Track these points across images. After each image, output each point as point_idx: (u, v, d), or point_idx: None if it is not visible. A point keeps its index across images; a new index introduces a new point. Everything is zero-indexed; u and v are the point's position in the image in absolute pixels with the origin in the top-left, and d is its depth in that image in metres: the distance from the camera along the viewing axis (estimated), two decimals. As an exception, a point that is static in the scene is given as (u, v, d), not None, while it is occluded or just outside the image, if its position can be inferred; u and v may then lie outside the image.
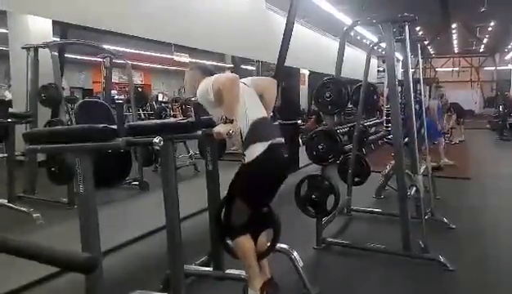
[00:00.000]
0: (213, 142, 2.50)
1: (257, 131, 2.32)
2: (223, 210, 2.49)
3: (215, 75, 2.36)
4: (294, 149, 7.08)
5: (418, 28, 14.49)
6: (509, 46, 22.16)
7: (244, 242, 2.35)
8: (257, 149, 2.27)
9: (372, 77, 11.48)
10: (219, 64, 11.80)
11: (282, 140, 2.42)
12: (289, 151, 2.50)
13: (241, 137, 2.31)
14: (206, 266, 2.78)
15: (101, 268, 1.75)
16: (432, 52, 24.35)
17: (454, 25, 16.14)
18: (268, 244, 2.51)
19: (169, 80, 19.27)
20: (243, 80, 2.49)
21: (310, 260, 3.46)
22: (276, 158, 2.37)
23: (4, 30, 5.70)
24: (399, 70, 4.70)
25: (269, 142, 2.30)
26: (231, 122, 2.20)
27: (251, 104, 2.40)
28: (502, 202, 5.44)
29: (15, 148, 4.14)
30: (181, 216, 2.21)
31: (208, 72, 2.53)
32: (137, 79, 15.87)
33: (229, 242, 2.53)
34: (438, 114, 7.78)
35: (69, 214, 3.77)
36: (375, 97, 4.83)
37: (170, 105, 15.58)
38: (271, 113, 2.70)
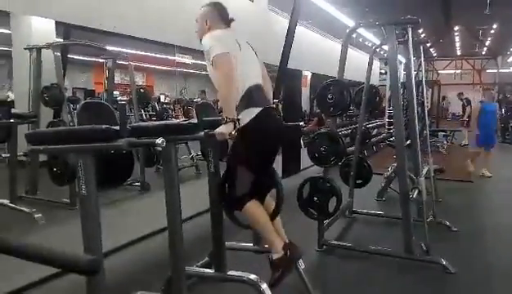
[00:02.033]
0: (215, 143, 2.49)
1: (250, 97, 2.36)
2: (226, 185, 2.50)
3: (218, 55, 2.28)
4: (296, 151, 7.09)
5: (420, 31, 14.47)
6: (512, 49, 22.13)
7: (254, 207, 2.37)
8: (251, 113, 2.32)
9: (374, 80, 11.48)
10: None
11: (274, 105, 2.46)
12: (284, 113, 2.55)
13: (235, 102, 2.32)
14: (207, 268, 2.77)
15: (103, 269, 1.75)
16: (434, 54, 24.34)
17: (456, 28, 16.13)
18: (274, 205, 2.55)
19: (172, 81, 19.28)
20: (249, 42, 2.48)
21: (312, 262, 3.45)
22: (270, 120, 2.42)
23: (7, 31, 5.71)
24: (401, 72, 4.70)
25: (262, 107, 2.35)
26: (232, 121, 2.20)
27: (247, 68, 2.43)
28: (504, 204, 5.43)
29: (17, 148, 4.14)
30: (182, 218, 2.21)
31: (225, 19, 2.54)
32: (140, 80, 15.89)
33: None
34: (492, 120, 7.43)
35: (70, 215, 3.77)
36: (377, 99, 4.83)
37: (172, 106, 15.60)
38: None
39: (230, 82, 2.25)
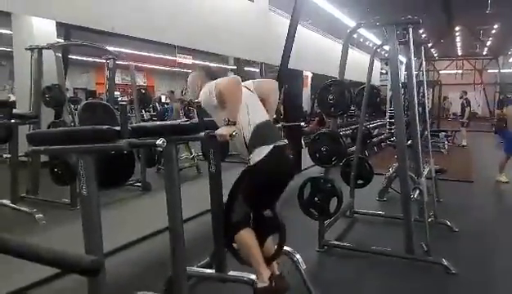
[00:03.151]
0: (216, 144, 2.49)
1: (260, 134, 2.33)
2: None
3: (219, 79, 2.36)
4: (297, 151, 7.08)
5: (421, 31, 14.47)
6: (513, 49, 22.11)
7: (246, 235, 2.36)
8: (262, 152, 2.28)
9: (375, 80, 11.47)
10: (222, 65, 11.82)
11: (286, 141, 2.43)
12: (294, 152, 2.50)
13: (245, 142, 2.32)
14: (208, 268, 2.77)
15: (104, 269, 1.75)
16: (435, 55, 24.33)
17: (457, 28, 16.12)
18: (275, 248, 2.52)
19: (172, 81, 19.29)
20: (245, 83, 2.49)
21: (313, 262, 3.45)
22: (282, 159, 2.38)
23: (8, 31, 5.72)
24: (402, 73, 4.70)
25: (273, 144, 2.31)
26: (234, 123, 2.21)
27: (254, 108, 2.41)
28: (505, 205, 5.43)
29: (18, 149, 4.14)
30: (183, 218, 2.21)
31: (212, 75, 2.54)
32: (140, 80, 15.89)
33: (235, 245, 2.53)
34: None
35: (71, 215, 3.77)
36: (378, 99, 4.82)
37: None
38: (274, 116, 2.70)
39: (234, 85, 2.26)
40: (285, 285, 2.44)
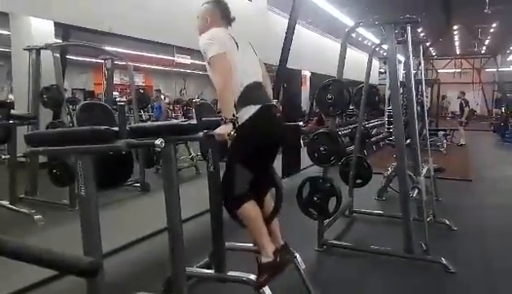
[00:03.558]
0: (215, 143, 2.49)
1: (249, 94, 2.35)
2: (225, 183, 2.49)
3: (216, 51, 2.27)
4: (296, 151, 7.09)
5: (420, 30, 14.48)
6: (511, 48, 22.15)
7: (250, 208, 2.35)
8: (249, 111, 2.31)
9: (374, 79, 11.48)
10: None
11: (274, 102, 2.44)
12: (283, 115, 2.52)
13: (234, 102, 2.31)
14: (207, 268, 2.77)
15: (103, 271, 1.75)
16: (434, 54, 24.35)
17: (456, 27, 16.13)
18: (273, 205, 2.55)
19: (171, 81, 19.28)
20: (240, 41, 2.48)
21: (312, 262, 3.45)
22: (270, 118, 2.40)
23: (6, 32, 5.72)
24: (401, 72, 4.69)
25: (261, 104, 2.34)
26: (231, 121, 2.20)
27: (247, 67, 2.42)
28: (504, 204, 5.43)
29: (16, 149, 4.14)
30: (182, 218, 2.21)
31: (227, 17, 2.53)
32: (139, 81, 15.89)
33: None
34: None
35: (70, 216, 3.76)
36: (377, 98, 4.82)
37: (172, 107, 15.61)
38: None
39: (227, 83, 2.25)
40: (289, 257, 2.44)
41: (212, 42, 2.29)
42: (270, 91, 2.70)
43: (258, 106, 2.33)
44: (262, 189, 2.54)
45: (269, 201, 2.59)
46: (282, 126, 2.62)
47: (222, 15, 2.52)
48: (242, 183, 2.36)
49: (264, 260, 2.35)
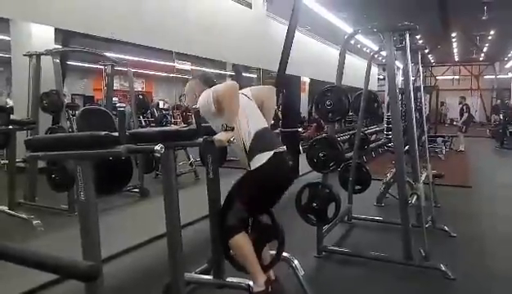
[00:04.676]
0: (214, 149, 2.50)
1: (260, 141, 2.35)
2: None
3: (216, 85, 2.37)
4: (295, 157, 7.09)
5: (418, 37, 14.53)
6: (509, 55, 22.24)
7: (241, 239, 2.34)
8: (262, 158, 2.30)
9: (373, 86, 11.52)
10: (220, 71, 11.86)
11: (285, 147, 2.44)
12: (293, 158, 2.51)
13: (245, 149, 2.33)
14: (206, 274, 2.77)
15: (102, 275, 1.75)
16: (432, 60, 24.42)
17: (454, 34, 16.20)
18: (273, 254, 2.53)
19: (171, 87, 19.31)
20: (243, 91, 2.51)
21: (311, 268, 3.45)
22: (282, 165, 2.39)
23: (6, 37, 5.73)
24: (400, 78, 4.72)
25: (274, 151, 2.33)
26: (232, 129, 2.21)
27: (252, 115, 2.43)
28: (503, 210, 5.43)
29: (16, 154, 4.13)
30: (181, 224, 2.21)
31: (209, 82, 2.55)
32: (139, 86, 15.90)
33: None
34: None
35: (69, 221, 3.76)
36: (376, 105, 4.84)
37: (171, 112, 15.60)
38: (272, 122, 2.71)
39: (232, 90, 2.26)
40: (281, 289, 2.44)
41: (210, 93, 2.30)
42: (272, 111, 2.71)
43: (271, 153, 2.33)
44: (263, 237, 2.52)
45: (266, 250, 2.57)
46: (292, 171, 2.62)
47: (206, 84, 2.54)
48: (239, 214, 2.37)
49: (255, 289, 2.36)
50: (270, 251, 2.58)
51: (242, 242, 2.35)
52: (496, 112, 22.71)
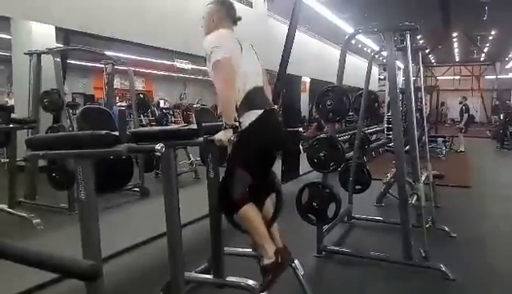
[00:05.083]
0: (215, 149, 2.50)
1: (252, 99, 2.37)
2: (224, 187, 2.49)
3: (223, 55, 2.28)
4: (295, 157, 7.09)
5: (419, 37, 14.53)
6: (510, 55, 22.24)
7: (249, 210, 2.34)
8: (252, 116, 2.31)
9: (373, 85, 11.51)
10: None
11: (275, 107, 2.45)
12: (284, 118, 2.54)
13: (236, 106, 2.32)
14: (206, 273, 2.77)
15: (102, 274, 1.75)
16: (433, 61, 24.43)
17: (455, 34, 16.20)
18: (273, 210, 2.57)
19: (171, 86, 19.29)
20: (244, 44, 2.47)
21: (311, 268, 3.45)
22: (271, 122, 2.41)
23: (7, 36, 5.73)
24: (400, 78, 4.72)
25: (263, 109, 2.35)
26: (231, 127, 2.21)
27: (249, 71, 2.42)
28: (503, 210, 5.43)
29: (16, 153, 4.14)
30: (181, 223, 2.21)
31: (233, 16, 2.51)
32: (139, 85, 15.91)
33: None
34: None
35: (69, 219, 3.76)
36: (376, 105, 4.84)
37: (172, 112, 15.61)
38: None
39: (230, 88, 2.26)
40: (290, 257, 2.46)
41: (218, 46, 2.28)
42: (270, 97, 2.71)
43: (260, 111, 2.34)
44: (262, 192, 2.55)
45: (269, 206, 2.60)
46: (283, 130, 2.64)
47: (228, 15, 2.51)
48: (241, 186, 2.37)
49: (266, 261, 2.36)
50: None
51: (251, 214, 2.34)
52: (496, 112, 22.79)
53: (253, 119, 2.32)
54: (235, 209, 2.38)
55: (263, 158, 2.45)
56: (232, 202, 2.38)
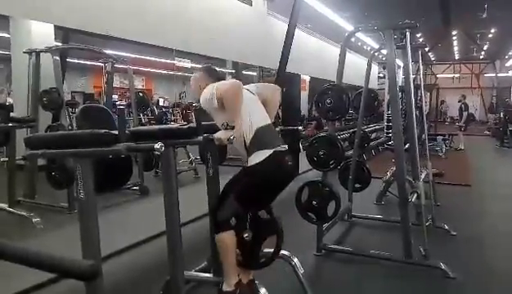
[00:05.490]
0: (214, 147, 2.50)
1: (261, 138, 2.33)
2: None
3: (220, 82, 2.36)
4: (295, 155, 7.09)
5: (419, 35, 14.53)
6: (510, 53, 22.23)
7: (226, 238, 2.35)
8: (261, 155, 2.28)
9: (373, 84, 11.51)
10: (221, 69, 11.85)
11: (286, 147, 2.42)
12: (294, 157, 2.49)
13: (245, 145, 2.31)
14: (206, 272, 2.77)
15: (102, 274, 1.75)
16: (433, 59, 24.42)
17: (455, 32, 16.20)
18: (272, 251, 2.51)
19: (171, 85, 19.28)
20: (247, 87, 2.50)
21: (311, 266, 3.45)
22: (280, 164, 2.36)
23: (6, 34, 5.72)
24: (400, 76, 4.71)
25: (273, 149, 2.31)
26: (232, 128, 2.20)
27: (255, 111, 2.41)
28: (502, 208, 5.43)
29: (15, 152, 4.13)
30: (181, 222, 2.21)
31: (214, 74, 2.54)
32: (139, 84, 15.88)
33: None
34: None
35: (69, 218, 3.76)
36: (376, 103, 4.83)
37: (171, 110, 15.58)
38: (273, 120, 2.70)
39: (235, 89, 2.25)
40: (251, 293, 2.44)
41: (216, 86, 2.28)
42: (275, 110, 2.69)
43: (269, 151, 2.30)
44: (262, 232, 2.51)
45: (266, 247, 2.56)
46: (292, 171, 2.56)
47: (212, 76, 2.53)
48: (228, 213, 2.36)
49: (225, 288, 2.38)
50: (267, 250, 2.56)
51: (227, 241, 2.35)
52: (492, 111, 22.85)
53: (262, 159, 2.28)
54: (215, 230, 2.38)
55: (264, 195, 2.43)
56: (215, 223, 2.39)
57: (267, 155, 2.28)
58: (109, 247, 3.27)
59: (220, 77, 2.55)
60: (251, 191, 2.36)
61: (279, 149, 2.35)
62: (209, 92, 2.28)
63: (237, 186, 2.39)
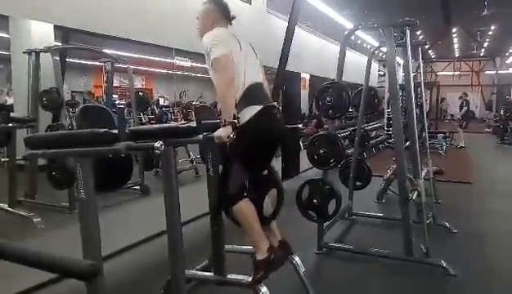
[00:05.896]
0: (214, 146, 2.49)
1: (251, 94, 2.35)
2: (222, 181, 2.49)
3: (220, 51, 2.26)
4: (295, 153, 7.09)
5: (419, 33, 14.51)
6: (510, 50, 22.21)
7: (244, 206, 2.35)
8: (250, 112, 2.30)
9: (373, 82, 11.50)
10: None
11: (275, 103, 2.44)
12: (283, 115, 2.53)
13: (235, 102, 2.30)
14: (207, 271, 2.77)
15: (103, 274, 1.74)
16: (433, 56, 24.40)
17: (455, 29, 16.18)
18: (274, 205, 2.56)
19: (171, 84, 19.27)
20: (242, 42, 2.47)
21: (311, 264, 3.45)
22: (270, 118, 2.39)
23: (6, 35, 5.72)
24: (400, 74, 4.70)
25: (262, 105, 2.33)
26: (231, 124, 2.20)
27: (247, 67, 2.41)
28: (503, 206, 5.43)
29: (16, 152, 4.13)
30: (182, 221, 2.21)
31: (228, 16, 2.52)
32: (139, 83, 15.87)
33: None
34: None
35: (69, 218, 3.76)
36: (376, 101, 4.83)
37: (171, 110, 15.58)
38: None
39: (229, 86, 2.25)
40: (286, 255, 2.44)
41: (216, 43, 2.27)
42: (269, 93, 2.71)
43: (259, 106, 2.33)
44: (262, 187, 2.54)
45: (268, 202, 2.59)
46: (283, 126, 2.62)
47: (223, 15, 2.51)
48: (238, 181, 2.37)
49: (259, 257, 2.36)
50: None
51: (246, 209, 2.34)
52: (490, 108, 22.85)
53: (253, 114, 2.30)
54: (231, 204, 2.37)
55: (261, 153, 2.45)
56: (228, 196, 2.38)
57: (257, 110, 2.30)
58: (109, 246, 3.28)
59: (231, 19, 2.53)
60: (249, 149, 2.35)
61: (268, 104, 2.38)
62: (211, 42, 2.26)
63: (235, 151, 2.34)
